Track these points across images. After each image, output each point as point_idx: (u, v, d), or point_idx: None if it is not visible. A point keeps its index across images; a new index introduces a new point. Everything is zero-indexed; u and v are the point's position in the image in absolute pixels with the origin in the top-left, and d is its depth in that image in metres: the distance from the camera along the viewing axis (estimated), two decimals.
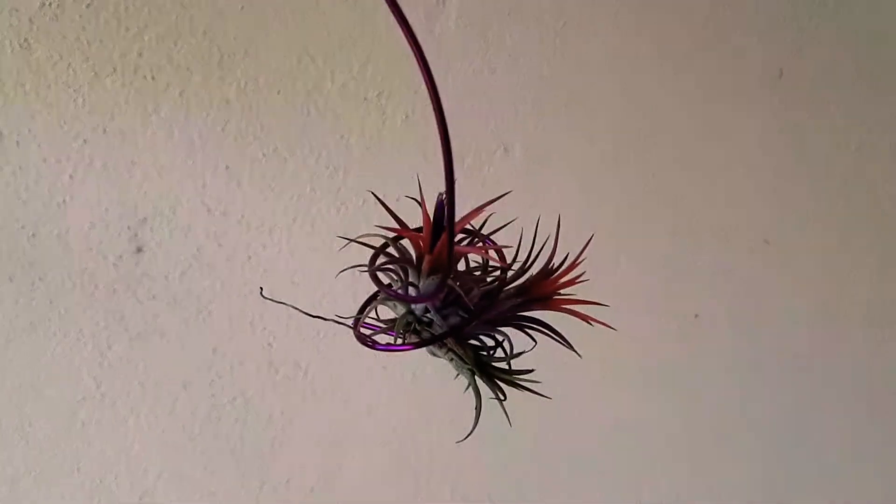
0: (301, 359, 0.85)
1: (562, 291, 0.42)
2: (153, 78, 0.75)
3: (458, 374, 0.41)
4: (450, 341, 0.40)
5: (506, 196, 0.86)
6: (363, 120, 0.79)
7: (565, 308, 0.41)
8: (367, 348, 0.40)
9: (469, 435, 0.41)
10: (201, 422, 0.85)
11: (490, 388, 0.40)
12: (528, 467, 0.94)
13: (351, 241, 0.40)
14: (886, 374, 1.02)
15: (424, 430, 0.90)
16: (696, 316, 0.92)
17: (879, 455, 1.06)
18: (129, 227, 0.78)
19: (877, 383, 1.02)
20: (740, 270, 0.91)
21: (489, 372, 0.41)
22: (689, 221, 0.88)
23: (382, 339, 0.41)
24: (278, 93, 0.77)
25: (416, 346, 0.39)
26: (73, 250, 0.78)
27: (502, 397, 0.40)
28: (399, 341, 0.40)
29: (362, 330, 0.40)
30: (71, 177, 0.76)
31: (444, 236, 0.38)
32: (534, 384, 0.40)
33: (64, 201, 0.77)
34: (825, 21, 0.83)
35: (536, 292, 0.41)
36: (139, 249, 0.79)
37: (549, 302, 0.41)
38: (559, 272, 0.41)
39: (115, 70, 0.74)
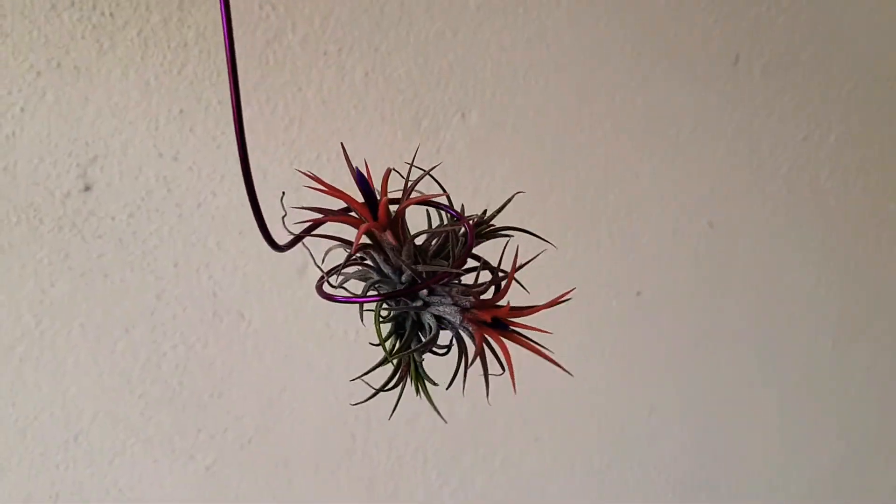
0: (245, 310, 0.85)
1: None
2: (111, 15, 0.74)
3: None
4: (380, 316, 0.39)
5: (459, 162, 0.87)
6: (322, 74, 0.79)
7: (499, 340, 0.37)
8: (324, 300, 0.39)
9: (391, 415, 0.41)
10: (141, 366, 0.85)
11: (398, 375, 0.39)
12: (464, 428, 0.95)
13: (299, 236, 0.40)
14: (818, 354, 1.05)
15: (364, 388, 0.91)
16: (638, 293, 0.93)
17: (804, 436, 1.09)
18: (78, 165, 0.78)
19: (809, 364, 1.05)
20: (682, 250, 0.93)
21: (407, 359, 0.39)
22: (637, 198, 0.90)
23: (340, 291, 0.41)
24: (237, 40, 0.76)
25: (377, 299, 0.39)
26: (19, 184, 0.77)
27: (390, 386, 0.39)
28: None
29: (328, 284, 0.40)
30: (22, 109, 0.75)
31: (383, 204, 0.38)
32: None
33: (13, 133, 0.76)
34: (782, 11, 0.85)
35: (480, 314, 0.37)
36: (87, 188, 0.78)
37: (483, 327, 0.37)
38: (515, 313, 0.37)
39: (73, 4, 0.73)
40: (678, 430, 1.02)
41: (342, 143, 0.41)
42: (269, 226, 0.40)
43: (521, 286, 0.39)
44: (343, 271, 0.40)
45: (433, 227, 0.41)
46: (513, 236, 0.40)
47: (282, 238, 0.41)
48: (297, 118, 0.80)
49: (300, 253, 0.85)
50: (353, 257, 0.40)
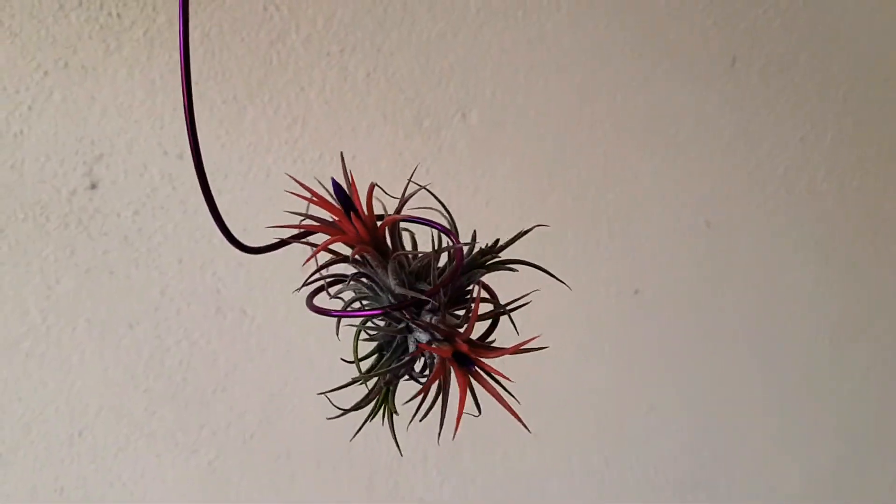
0: (248, 306, 0.86)
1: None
2: (118, 15, 0.75)
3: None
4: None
5: (460, 163, 0.88)
6: (325, 74, 0.80)
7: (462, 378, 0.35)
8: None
9: (356, 434, 0.40)
10: (145, 362, 0.86)
11: (368, 398, 0.38)
12: (465, 426, 0.96)
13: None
14: (817, 354, 1.06)
15: (364, 388, 0.92)
16: (636, 292, 0.94)
17: (803, 435, 1.10)
18: (84, 163, 0.79)
19: (808, 363, 1.06)
20: (681, 249, 0.94)
21: (382, 383, 0.38)
22: (636, 197, 0.91)
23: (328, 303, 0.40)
24: (242, 40, 0.77)
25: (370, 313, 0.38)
26: (27, 182, 0.78)
27: (359, 405, 0.38)
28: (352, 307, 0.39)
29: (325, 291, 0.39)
30: (29, 108, 0.77)
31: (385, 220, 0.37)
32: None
33: (21, 132, 0.77)
34: (779, 14, 0.86)
35: (440, 347, 0.36)
36: (93, 185, 0.80)
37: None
38: (477, 351, 0.35)
39: (80, 4, 0.74)
40: (677, 428, 1.03)
41: (342, 154, 0.41)
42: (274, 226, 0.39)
43: (513, 324, 0.37)
44: (338, 285, 0.40)
45: (442, 247, 0.39)
46: (517, 270, 0.38)
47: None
48: (299, 118, 0.81)
49: (305, 251, 0.86)
50: (351, 274, 0.39)
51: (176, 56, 0.77)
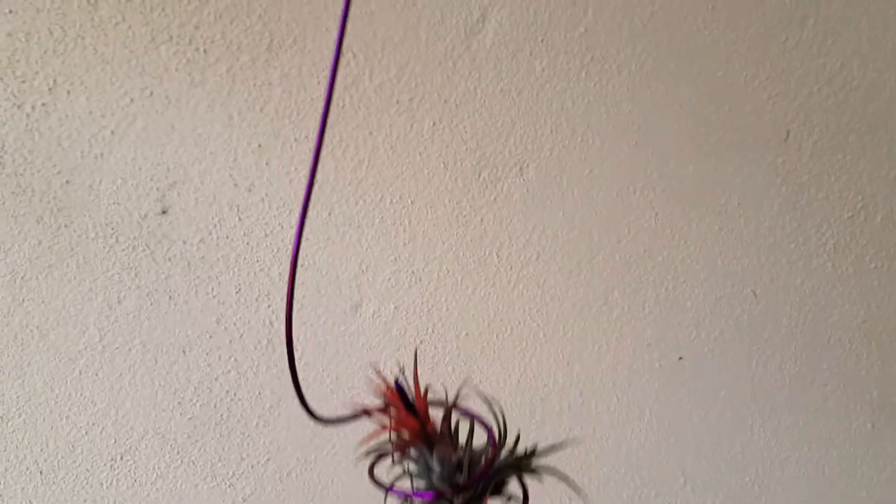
0: (299, 341, 0.88)
1: None
2: (205, 51, 0.80)
3: None
4: None
5: (513, 214, 0.90)
6: (392, 120, 0.84)
7: None
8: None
9: None
10: (194, 388, 0.88)
11: None
12: None
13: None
14: (857, 434, 1.04)
15: None
16: (680, 358, 0.95)
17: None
18: (157, 189, 0.82)
19: (847, 443, 1.04)
20: (727, 318, 0.94)
21: None
22: (684, 263, 0.92)
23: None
24: (318, 83, 0.82)
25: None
26: (101, 203, 0.82)
27: None
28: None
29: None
30: (112, 132, 0.81)
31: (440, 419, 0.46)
32: None
33: (101, 154, 0.81)
34: (834, 91, 0.88)
35: None
36: (164, 211, 0.83)
37: None
38: None
39: (171, 38, 0.79)
40: (710, 500, 1.01)
41: (416, 351, 0.49)
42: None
43: None
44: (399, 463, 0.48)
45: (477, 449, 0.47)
46: (542, 482, 0.46)
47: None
48: (365, 160, 0.84)
49: (356, 290, 0.88)
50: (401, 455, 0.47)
51: (255, 94, 0.81)
